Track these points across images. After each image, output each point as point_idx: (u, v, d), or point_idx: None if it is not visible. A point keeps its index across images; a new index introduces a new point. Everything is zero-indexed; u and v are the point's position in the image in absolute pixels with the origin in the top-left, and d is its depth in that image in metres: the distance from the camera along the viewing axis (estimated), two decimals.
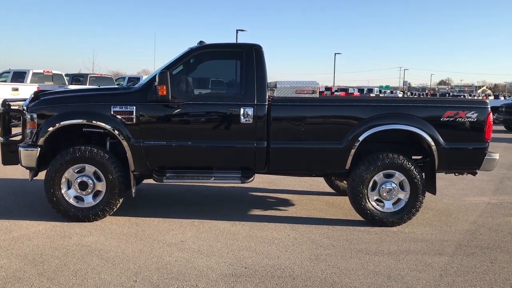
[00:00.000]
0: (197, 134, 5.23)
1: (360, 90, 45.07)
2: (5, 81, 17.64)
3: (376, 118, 5.17)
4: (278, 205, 6.23)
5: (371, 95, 36.99)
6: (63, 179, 5.15)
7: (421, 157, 5.64)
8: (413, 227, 5.28)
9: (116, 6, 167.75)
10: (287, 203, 6.36)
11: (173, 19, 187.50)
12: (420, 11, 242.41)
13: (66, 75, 20.67)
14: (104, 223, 5.19)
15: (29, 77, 17.37)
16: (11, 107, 5.67)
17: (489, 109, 5.32)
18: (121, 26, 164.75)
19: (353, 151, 5.19)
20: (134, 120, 5.12)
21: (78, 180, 5.15)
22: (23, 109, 5.34)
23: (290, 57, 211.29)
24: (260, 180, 7.59)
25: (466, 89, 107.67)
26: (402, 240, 4.86)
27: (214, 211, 5.83)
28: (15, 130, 5.82)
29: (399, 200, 5.31)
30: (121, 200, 5.26)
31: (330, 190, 7.02)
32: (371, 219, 5.26)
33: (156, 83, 4.97)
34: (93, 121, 5.10)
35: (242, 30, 39.04)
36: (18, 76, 17.62)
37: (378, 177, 5.26)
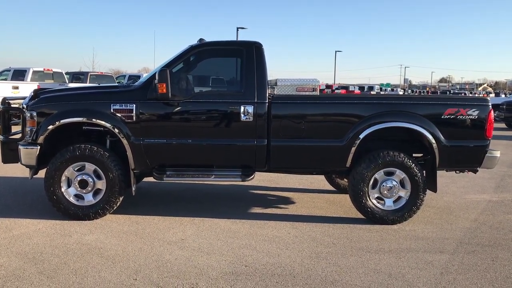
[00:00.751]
0: (197, 132, 5.22)
1: (361, 87, 45.05)
2: (5, 79, 17.63)
3: (376, 116, 5.16)
4: (279, 203, 6.23)
5: (372, 92, 36.96)
6: (63, 177, 5.14)
7: (422, 154, 5.62)
8: (414, 225, 5.27)
9: (116, 4, 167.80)
10: (287, 201, 6.35)
11: (173, 16, 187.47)
12: (421, 9, 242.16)
13: (67, 73, 20.66)
14: (104, 221, 5.19)
15: (29, 75, 17.35)
16: (11, 105, 5.66)
17: (490, 106, 5.30)
18: (121, 24, 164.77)
19: (353, 149, 5.18)
20: (134, 118, 5.11)
21: (78, 178, 5.14)
22: (23, 107, 5.33)
23: (291, 54, 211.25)
24: (260, 178, 7.58)
25: (467, 86, 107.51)
26: (403, 238, 4.85)
27: (214, 209, 5.82)
28: (15, 129, 5.81)
29: (399, 198, 5.30)
30: (121, 198, 5.26)
31: (330, 188, 7.01)
32: (372, 217, 5.25)
33: (156, 81, 4.95)
34: (93, 119, 5.09)
35: (243, 28, 38.98)
36: (19, 74, 17.60)
37: (379, 175, 5.25)
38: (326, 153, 5.26)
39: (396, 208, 5.29)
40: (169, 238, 4.70)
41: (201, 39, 5.67)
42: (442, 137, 5.18)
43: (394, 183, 5.26)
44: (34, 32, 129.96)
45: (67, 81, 18.83)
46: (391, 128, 5.17)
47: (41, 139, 5.10)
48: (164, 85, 4.90)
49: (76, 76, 21.22)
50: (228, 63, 5.75)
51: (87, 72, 21.78)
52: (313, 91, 5.44)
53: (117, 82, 21.69)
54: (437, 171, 5.41)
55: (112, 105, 5.12)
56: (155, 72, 5.12)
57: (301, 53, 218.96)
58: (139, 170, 5.30)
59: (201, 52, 5.49)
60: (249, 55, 5.26)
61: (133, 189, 5.30)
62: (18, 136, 5.43)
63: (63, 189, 5.15)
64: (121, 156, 5.25)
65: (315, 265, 4.08)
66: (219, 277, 3.78)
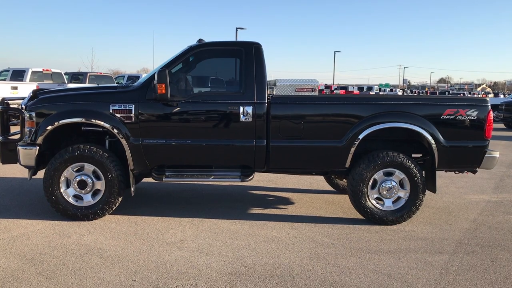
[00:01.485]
0: (196, 132, 5.22)
1: (360, 88, 45.12)
2: (4, 79, 17.62)
3: (376, 116, 5.16)
4: (278, 203, 6.22)
5: (371, 93, 36.99)
6: (62, 178, 5.13)
7: (421, 155, 5.63)
8: (413, 226, 5.27)
9: (115, 4, 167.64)
10: (286, 201, 6.35)
11: (172, 17, 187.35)
12: (420, 9, 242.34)
13: (66, 73, 20.65)
14: (103, 222, 5.18)
15: (28, 76, 17.34)
16: (10, 106, 5.65)
17: (489, 107, 5.30)
18: (121, 24, 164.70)
19: (353, 149, 5.17)
20: (133, 118, 5.11)
21: (77, 179, 5.13)
22: (22, 108, 5.32)
23: (290, 55, 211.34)
24: (259, 179, 7.57)
25: (465, 87, 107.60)
26: (402, 238, 4.85)
27: (213, 209, 5.82)
28: (14, 129, 5.80)
29: (399, 198, 5.30)
30: (120, 199, 5.25)
31: (330, 188, 7.01)
32: (371, 218, 5.25)
33: (155, 82, 4.95)
34: (92, 120, 5.08)
35: (242, 28, 39.04)
36: (17, 75, 17.59)
37: (378, 175, 5.25)
38: (325, 154, 5.26)
39: (396, 208, 5.28)
40: (168, 238, 4.69)
41: (200, 40, 5.66)
42: (441, 138, 5.18)
43: (394, 183, 5.26)
44: (33, 32, 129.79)
45: (66, 82, 18.82)
46: (390, 128, 5.17)
47: (40, 139, 5.09)
48: (163, 86, 4.90)
49: (75, 77, 21.21)
50: (227, 63, 5.75)
51: (86, 73, 21.75)
52: (312, 91, 5.44)
53: (116, 83, 21.67)
54: (436, 172, 5.41)
55: (111, 105, 5.11)
56: (154, 73, 5.12)
57: (300, 54, 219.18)
58: (138, 171, 5.30)
59: (200, 52, 5.48)
60: (248, 56, 5.26)
61: (132, 189, 5.29)
62: (17, 136, 5.42)
63: (62, 190, 5.14)
64: (120, 156, 5.24)
65: (315, 265, 4.07)
66: (219, 278, 3.78)
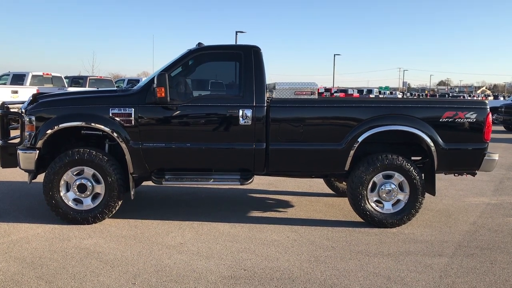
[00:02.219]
0: (196, 136, 5.22)
1: (360, 91, 45.11)
2: (4, 83, 17.65)
3: (375, 119, 5.17)
4: (278, 206, 6.22)
5: (371, 96, 37.01)
6: (62, 182, 5.14)
7: (420, 158, 5.63)
8: (412, 228, 5.27)
9: (115, 8, 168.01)
10: (286, 204, 6.35)
11: (172, 20, 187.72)
12: (419, 12, 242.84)
13: (66, 77, 20.69)
14: (103, 225, 5.18)
15: (28, 80, 17.38)
16: (10, 110, 5.66)
17: (488, 109, 5.31)
18: (121, 28, 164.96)
19: (352, 152, 5.18)
20: (133, 122, 5.12)
21: (77, 183, 5.14)
22: (22, 112, 5.34)
23: (290, 58, 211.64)
24: (259, 182, 7.58)
25: (465, 89, 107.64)
26: (401, 241, 4.85)
27: (213, 213, 5.82)
28: (14, 133, 5.81)
29: (398, 201, 5.30)
30: (120, 203, 5.25)
31: (329, 191, 7.01)
32: (371, 220, 5.25)
33: (155, 85, 4.96)
34: (92, 124, 5.09)
35: (242, 32, 39.09)
36: (18, 79, 17.64)
37: (378, 178, 5.26)
38: (324, 157, 5.26)
39: (395, 211, 5.29)
40: (168, 242, 4.69)
41: (199, 43, 5.67)
42: (440, 140, 5.19)
43: (393, 186, 5.26)
44: (33, 36, 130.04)
45: (66, 85, 18.84)
46: (389, 131, 5.18)
47: (40, 143, 5.10)
48: (163, 89, 4.91)
49: (75, 80, 21.27)
50: (227, 67, 5.76)
51: (86, 76, 21.81)
52: (311, 94, 5.46)
53: (116, 86, 21.70)
54: (436, 174, 5.42)
55: (110, 109, 5.12)
56: (154, 76, 5.13)
57: (300, 57, 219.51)
58: (138, 174, 5.30)
59: (200, 56, 5.50)
60: (247, 59, 5.27)
61: (132, 193, 5.30)
62: (17, 140, 5.43)
63: (62, 194, 5.14)
64: (120, 160, 5.25)
65: (314, 268, 4.07)
66: (218, 281, 3.78)
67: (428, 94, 75.11)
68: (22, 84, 16.90)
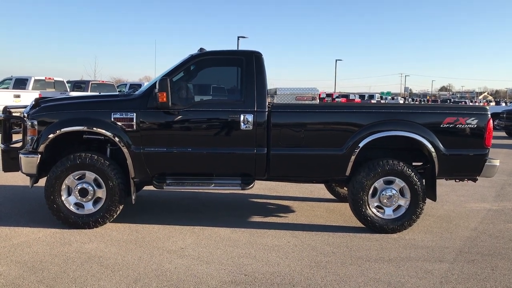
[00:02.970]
0: (197, 140, 5.24)
1: (361, 96, 45.17)
2: (7, 88, 17.73)
3: (376, 125, 5.17)
4: (278, 211, 6.22)
5: (372, 101, 37.04)
6: (64, 186, 5.15)
7: (421, 163, 5.63)
8: (413, 234, 5.27)
9: (118, 13, 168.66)
10: (287, 209, 6.35)
11: (174, 25, 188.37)
12: (421, 17, 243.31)
13: (68, 82, 20.76)
14: (104, 230, 5.19)
15: (31, 84, 17.44)
16: (12, 114, 5.69)
17: (489, 115, 5.32)
18: (123, 32, 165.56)
19: (353, 157, 5.19)
20: (135, 126, 5.13)
21: (79, 187, 5.15)
22: (24, 116, 5.36)
23: (291, 63, 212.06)
24: (260, 187, 7.58)
25: (467, 95, 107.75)
26: (402, 247, 4.84)
27: (214, 217, 5.82)
28: (16, 137, 5.83)
29: (399, 206, 5.30)
30: (121, 207, 5.26)
31: (330, 196, 7.01)
32: (372, 226, 5.25)
33: (156, 90, 4.98)
34: (94, 128, 5.11)
35: (243, 37, 39.25)
36: (20, 83, 17.70)
37: (379, 183, 5.26)
38: (325, 162, 5.27)
39: (396, 217, 5.28)
40: (169, 247, 4.70)
41: (201, 49, 5.71)
42: (441, 146, 5.19)
43: (394, 191, 5.26)
44: (36, 41, 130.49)
45: (68, 90, 18.91)
46: (390, 136, 5.19)
47: (41, 147, 5.12)
48: (165, 94, 4.93)
49: (77, 85, 21.32)
50: (228, 72, 5.78)
51: (89, 81, 21.87)
52: (312, 100, 5.47)
53: (118, 91, 21.75)
54: (437, 180, 5.42)
55: (112, 114, 5.14)
56: (156, 81, 5.15)
57: (301, 62, 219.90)
58: (139, 179, 5.31)
59: (201, 61, 5.53)
60: (248, 64, 5.30)
61: (133, 197, 5.31)
62: (19, 144, 5.45)
63: (63, 198, 5.16)
64: (121, 164, 5.26)
65: (315, 274, 4.07)
66: (219, 286, 3.78)
67: (430, 99, 75.12)
68: (24, 89, 16.96)
